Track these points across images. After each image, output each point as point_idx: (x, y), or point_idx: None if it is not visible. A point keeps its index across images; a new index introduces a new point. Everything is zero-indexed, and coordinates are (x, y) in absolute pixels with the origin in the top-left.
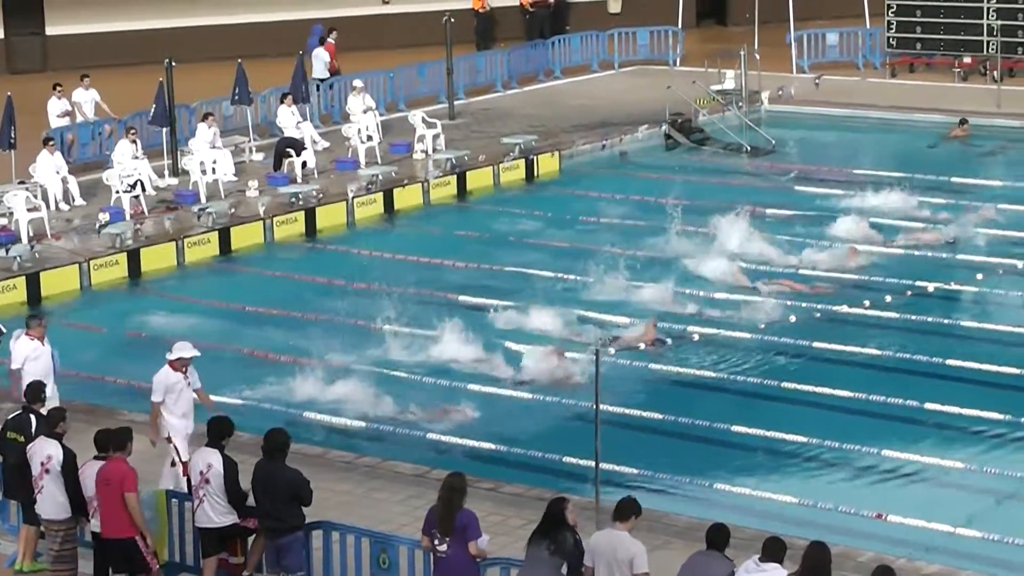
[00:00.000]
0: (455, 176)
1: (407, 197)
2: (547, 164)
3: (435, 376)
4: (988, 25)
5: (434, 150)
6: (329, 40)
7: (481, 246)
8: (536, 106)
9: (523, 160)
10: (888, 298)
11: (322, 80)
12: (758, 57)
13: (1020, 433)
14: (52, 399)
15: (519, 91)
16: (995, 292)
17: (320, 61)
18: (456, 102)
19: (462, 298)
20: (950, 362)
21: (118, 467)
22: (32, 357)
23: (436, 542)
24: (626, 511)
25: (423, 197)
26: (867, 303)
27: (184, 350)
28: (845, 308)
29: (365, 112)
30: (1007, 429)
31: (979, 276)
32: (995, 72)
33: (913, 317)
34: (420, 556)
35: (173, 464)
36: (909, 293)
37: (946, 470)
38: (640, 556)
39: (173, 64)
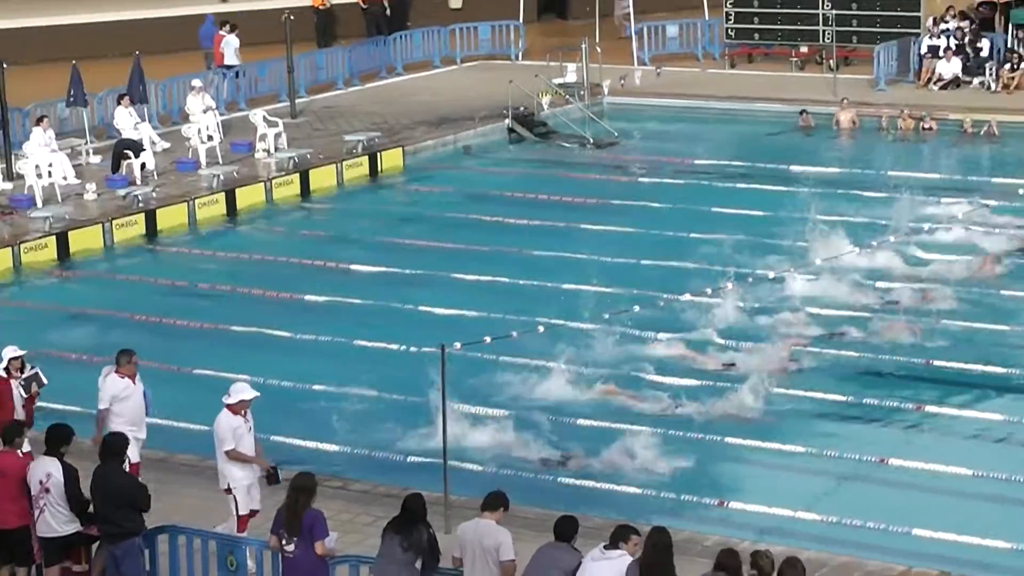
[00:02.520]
0: (298, 175)
1: (249, 197)
2: (391, 160)
3: (281, 378)
4: (823, 15)
5: (276, 149)
6: (220, 32)
7: (325, 245)
8: (379, 103)
9: (366, 157)
10: (729, 285)
11: (231, 67)
12: (599, 50)
13: (858, 413)
14: (136, 445)
15: (361, 88)
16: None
17: (231, 48)
18: (298, 100)
19: (308, 297)
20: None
21: (12, 460)
22: (121, 397)
23: (284, 542)
24: (494, 503)
25: (266, 196)
26: (709, 290)
27: (244, 392)
28: (687, 296)
29: (205, 112)
30: (853, 412)
31: (818, 260)
32: (831, 61)
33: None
34: (269, 557)
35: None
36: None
37: (787, 454)
38: (506, 544)
39: (5, 66)
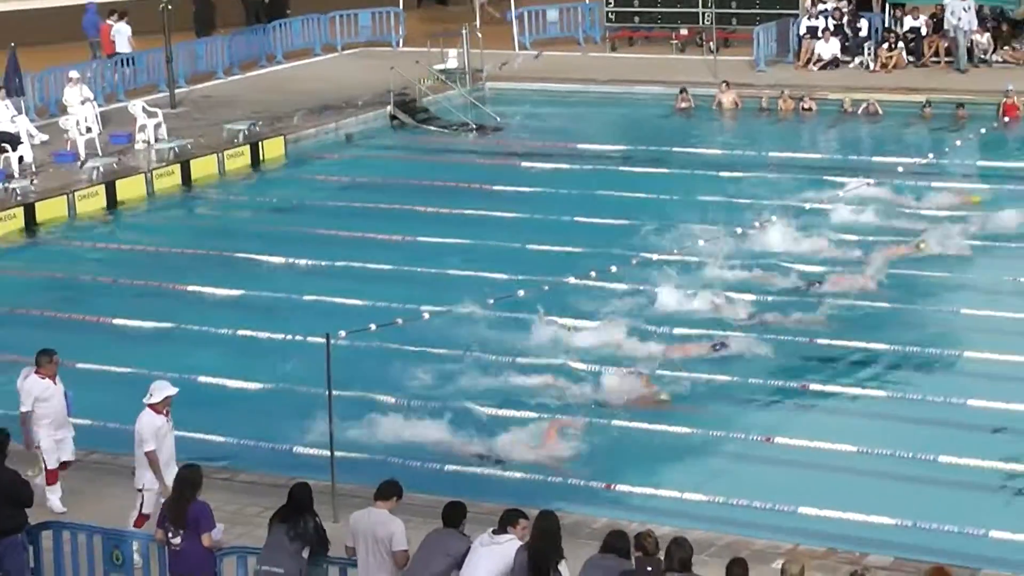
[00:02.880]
0: (179, 165)
1: (130, 188)
2: (273, 149)
3: (166, 370)
4: None
5: (156, 139)
6: (108, 21)
7: (208, 235)
8: (259, 91)
9: (248, 146)
10: (613, 268)
11: (122, 55)
12: (480, 36)
13: (744, 394)
14: (67, 444)
15: (241, 77)
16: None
17: (123, 36)
18: (177, 90)
19: (191, 288)
20: (677, 330)
21: None
22: (43, 398)
23: (170, 535)
24: (387, 491)
25: (147, 188)
26: (593, 273)
27: (166, 389)
28: (572, 279)
29: (83, 103)
30: (739, 392)
31: (701, 242)
32: (711, 43)
33: (621, 285)
34: (155, 550)
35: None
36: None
37: (673, 436)
38: (399, 533)
39: None
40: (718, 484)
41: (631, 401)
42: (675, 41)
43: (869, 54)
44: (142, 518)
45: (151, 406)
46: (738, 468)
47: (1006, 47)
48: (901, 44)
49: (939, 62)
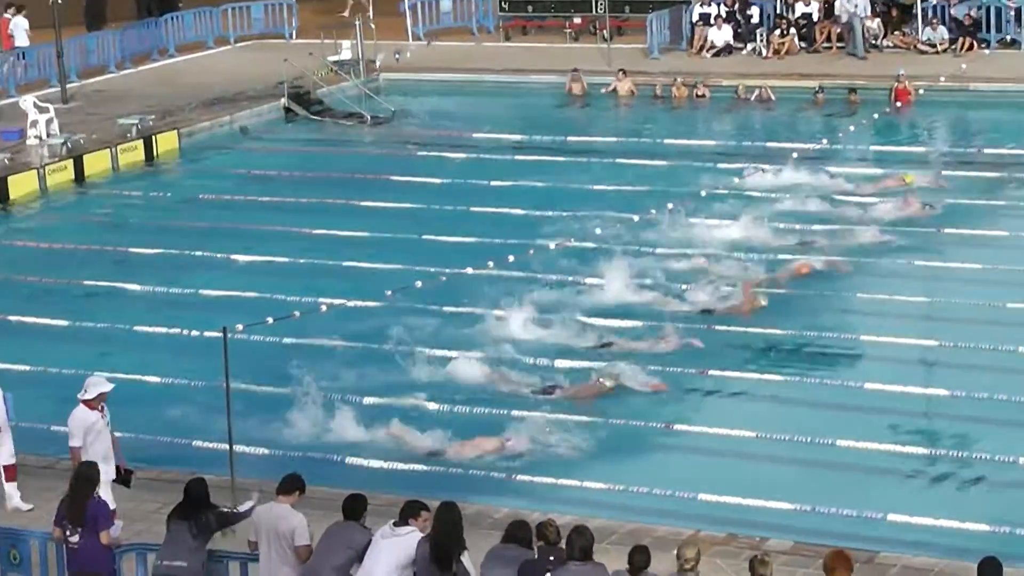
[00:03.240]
0: (71, 160)
1: (22, 184)
2: (166, 143)
3: (61, 367)
4: None
5: (48, 135)
6: (6, 15)
7: (103, 230)
8: (152, 85)
9: (141, 141)
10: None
11: (26, 48)
12: (373, 27)
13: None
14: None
15: (134, 71)
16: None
17: (20, 29)
18: (69, 85)
19: (87, 283)
20: (580, 317)
21: None
22: None
23: (68, 533)
24: (290, 485)
25: (39, 183)
26: (491, 263)
27: (101, 385)
28: (470, 269)
29: None
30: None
31: (598, 231)
32: (604, 31)
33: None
34: (52, 549)
35: None
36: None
37: (574, 425)
38: (301, 528)
39: None
40: (619, 472)
41: (576, 392)
42: (569, 30)
43: (761, 40)
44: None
45: (85, 402)
46: (638, 456)
47: (896, 32)
48: (793, 30)
49: (831, 48)
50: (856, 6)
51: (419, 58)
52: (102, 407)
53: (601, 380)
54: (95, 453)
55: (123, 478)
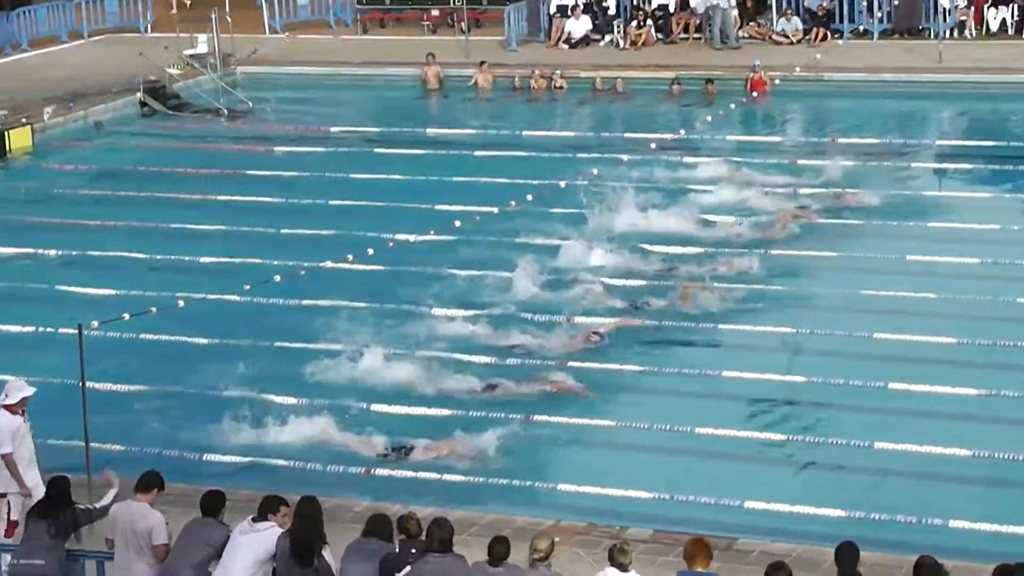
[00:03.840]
0: None
1: None
2: (19, 139)
3: None
4: None
5: None
6: None
7: None
8: (5, 80)
9: None
10: (370, 251)
11: None
12: (229, 20)
13: (498, 372)
14: None
15: None
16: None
17: None
18: None
19: None
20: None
21: None
22: None
23: None
24: (148, 484)
25: None
26: (351, 256)
27: (23, 389)
28: (329, 263)
29: None
30: (494, 372)
31: (457, 223)
32: (462, 23)
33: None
34: None
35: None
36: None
37: (429, 418)
38: (159, 527)
39: None
40: (477, 464)
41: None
42: (426, 22)
43: (619, 32)
44: (12, 525)
45: (7, 407)
46: (498, 447)
47: (751, 23)
48: (650, 22)
49: (687, 39)
50: None
51: (276, 52)
52: (23, 411)
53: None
54: (20, 459)
55: None
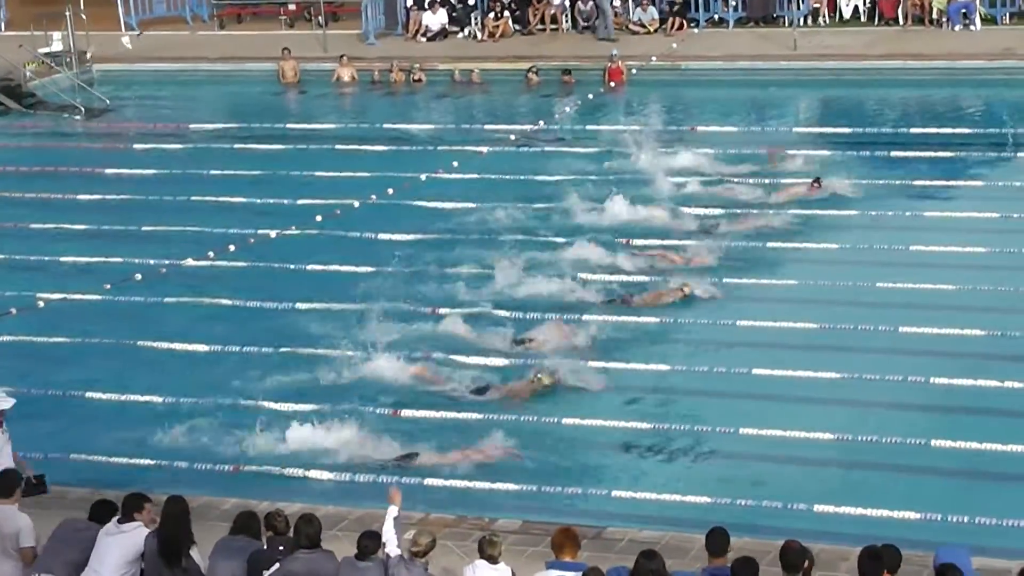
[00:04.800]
0: None
1: None
2: None
3: None
4: None
5: None
6: None
7: None
8: None
9: None
10: (232, 247)
11: None
12: (84, 17)
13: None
14: None
15: None
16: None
17: None
18: None
19: None
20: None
21: None
22: None
23: None
24: (8, 487)
25: None
26: (211, 254)
27: (2, 400)
28: (191, 260)
29: None
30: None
31: (318, 217)
32: (319, 18)
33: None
34: None
35: None
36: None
37: (299, 413)
38: (26, 530)
39: None
40: (343, 459)
41: (512, 392)
42: (284, 17)
43: (476, 24)
44: None
45: None
46: (364, 442)
47: None
48: (507, 13)
49: (544, 29)
50: None
51: (133, 48)
52: (1, 422)
53: (539, 377)
54: None
55: (35, 486)
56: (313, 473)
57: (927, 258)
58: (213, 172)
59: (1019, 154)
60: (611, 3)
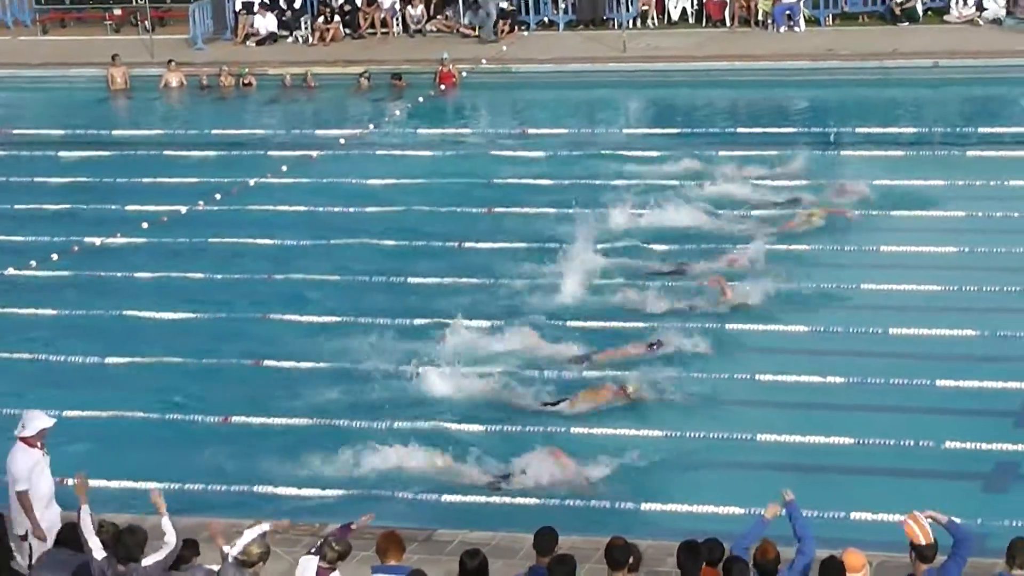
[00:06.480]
0: None
1: None
2: None
3: None
4: None
5: None
6: None
7: None
8: None
9: None
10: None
11: None
12: None
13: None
14: None
15: None
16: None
17: None
18: None
19: None
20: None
21: None
22: None
23: None
24: None
25: None
26: (33, 263)
27: (42, 420)
28: (11, 270)
29: None
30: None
31: (144, 224)
32: (146, 22)
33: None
34: None
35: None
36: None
37: (183, 424)
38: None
39: None
40: (172, 470)
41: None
42: (109, 22)
43: (306, 28)
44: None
45: (24, 439)
46: (193, 451)
47: (439, 16)
48: (337, 17)
49: (375, 33)
50: None
51: None
52: (41, 444)
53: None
54: (37, 496)
55: None
56: (142, 484)
57: None
58: (37, 179)
59: (842, 152)
60: (496, 5)
